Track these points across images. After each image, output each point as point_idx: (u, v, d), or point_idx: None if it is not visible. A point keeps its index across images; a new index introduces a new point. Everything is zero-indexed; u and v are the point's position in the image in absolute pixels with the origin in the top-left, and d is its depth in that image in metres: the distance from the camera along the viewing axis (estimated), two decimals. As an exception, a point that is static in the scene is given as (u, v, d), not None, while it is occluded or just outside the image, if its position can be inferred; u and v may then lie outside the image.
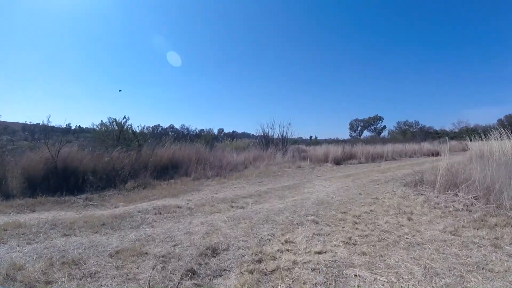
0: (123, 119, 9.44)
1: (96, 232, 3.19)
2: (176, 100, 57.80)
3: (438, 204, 4.39)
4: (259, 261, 2.22)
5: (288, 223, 3.23)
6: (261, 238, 2.73)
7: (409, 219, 3.53)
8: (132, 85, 51.28)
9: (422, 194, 4.95)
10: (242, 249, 2.48)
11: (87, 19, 39.22)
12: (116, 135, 8.93)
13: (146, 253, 2.52)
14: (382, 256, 2.34)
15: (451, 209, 4.17)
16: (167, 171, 7.69)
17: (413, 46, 51.04)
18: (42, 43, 38.67)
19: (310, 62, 58.27)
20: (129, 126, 9.46)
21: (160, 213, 3.81)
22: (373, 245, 2.57)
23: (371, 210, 3.86)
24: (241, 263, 2.20)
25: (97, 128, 10.09)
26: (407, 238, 2.81)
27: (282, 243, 2.58)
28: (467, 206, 4.26)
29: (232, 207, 4.10)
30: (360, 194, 5.05)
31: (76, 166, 6.34)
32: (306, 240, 2.66)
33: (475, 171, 4.99)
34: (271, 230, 2.99)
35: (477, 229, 3.25)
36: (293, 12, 49.07)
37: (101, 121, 10.23)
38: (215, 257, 2.35)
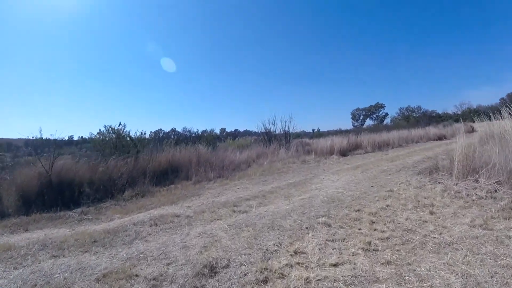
0: (119, 126, 9.18)
1: (86, 252, 2.92)
2: (177, 103, 57.77)
3: (459, 192, 4.02)
4: (265, 281, 1.88)
5: (296, 228, 2.86)
6: (267, 249, 2.38)
7: (431, 212, 3.16)
8: (133, 92, 51.31)
9: (439, 183, 4.57)
10: (244, 265, 2.14)
11: (85, 26, 39.09)
12: (113, 143, 8.68)
13: (136, 275, 2.21)
14: (410, 264, 1.98)
15: (474, 197, 3.81)
16: (167, 176, 7.38)
17: (408, 31, 50.04)
18: (38, 55, 38.66)
19: (306, 56, 57.56)
20: (127, 133, 9.19)
21: (156, 225, 3.49)
22: (397, 250, 2.20)
23: (387, 206, 3.49)
24: (243, 285, 1.86)
25: (96, 137, 9.87)
26: (434, 238, 2.44)
27: (291, 255, 2.23)
28: (491, 193, 3.90)
29: (234, 211, 3.76)
30: (372, 187, 4.67)
31: (72, 178, 6.07)
32: (319, 249, 2.30)
33: (494, 153, 4.61)
34: (278, 238, 2.63)
35: (508, 219, 2.90)
36: (288, 4, 48.25)
37: (99, 130, 9.99)
38: (213, 277, 2.02)
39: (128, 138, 9.08)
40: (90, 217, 4.56)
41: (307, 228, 2.85)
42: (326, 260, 2.10)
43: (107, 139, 9.07)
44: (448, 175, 4.77)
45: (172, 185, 6.68)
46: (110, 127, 9.16)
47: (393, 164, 7.16)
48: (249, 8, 47.78)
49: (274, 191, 4.91)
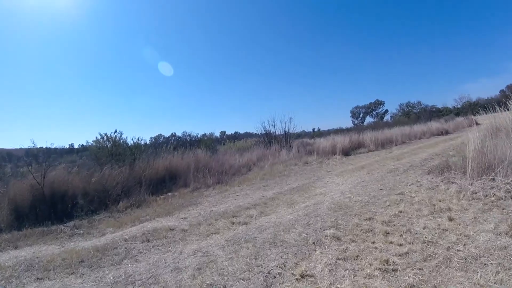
0: (115, 133, 8.95)
1: (72, 273, 2.68)
2: (177, 108, 57.96)
3: (476, 193, 3.71)
4: (267, 316, 1.59)
5: (302, 244, 2.56)
6: (269, 272, 2.07)
7: (450, 218, 2.86)
8: (133, 98, 51.43)
9: (452, 183, 4.26)
10: (243, 294, 1.85)
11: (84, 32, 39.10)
12: (109, 150, 8.44)
13: (122, 307, 1.94)
14: (436, 288, 1.69)
15: (492, 198, 3.50)
16: (164, 183, 7.11)
17: (403, 26, 49.90)
18: (36, 59, 38.70)
19: (304, 55, 57.46)
20: (123, 140, 8.95)
21: (148, 240, 3.21)
22: (419, 269, 1.91)
23: (400, 212, 3.18)
24: (242, 321, 1.58)
25: (92, 145, 9.66)
26: (458, 251, 2.15)
27: (296, 279, 1.92)
28: (510, 192, 3.59)
29: (233, 223, 3.47)
30: (381, 189, 4.36)
31: (65, 190, 5.81)
32: (329, 271, 1.99)
33: (509, 149, 4.30)
34: (281, 257, 2.33)
35: (534, 223, 2.59)
36: (285, 4, 48.12)
37: (95, 137, 9.77)
38: (207, 309, 1.74)
39: (125, 145, 8.85)
40: (81, 231, 4.30)
41: (313, 243, 2.54)
42: (339, 285, 1.80)
43: (102, 146, 8.85)
44: (461, 174, 4.45)
45: (169, 193, 6.41)
46: (106, 134, 8.95)
47: (399, 163, 6.85)
48: (247, 9, 47.69)
49: (276, 198, 4.61)
